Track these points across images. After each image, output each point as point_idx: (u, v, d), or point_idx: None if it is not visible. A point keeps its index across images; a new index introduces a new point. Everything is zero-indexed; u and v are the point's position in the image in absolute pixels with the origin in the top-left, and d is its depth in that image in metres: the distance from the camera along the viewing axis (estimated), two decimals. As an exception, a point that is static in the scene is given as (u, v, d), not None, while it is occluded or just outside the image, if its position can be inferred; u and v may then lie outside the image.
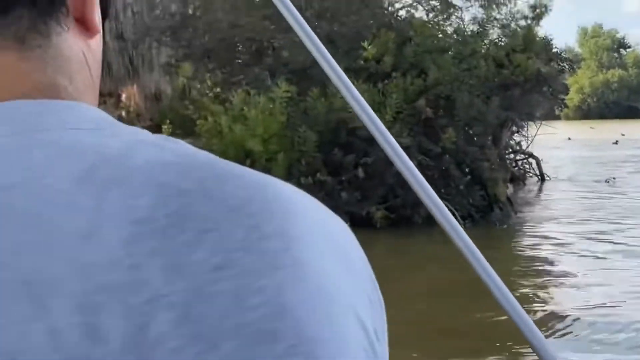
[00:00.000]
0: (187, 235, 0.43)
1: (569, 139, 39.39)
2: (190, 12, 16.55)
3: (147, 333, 0.40)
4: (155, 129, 18.93)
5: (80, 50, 0.56)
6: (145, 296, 0.41)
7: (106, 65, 19.66)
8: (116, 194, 0.45)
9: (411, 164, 1.46)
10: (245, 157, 13.00)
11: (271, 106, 12.97)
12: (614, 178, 18.80)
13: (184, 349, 0.40)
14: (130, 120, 18.91)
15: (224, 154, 13.20)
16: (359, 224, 12.48)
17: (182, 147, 0.52)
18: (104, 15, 0.63)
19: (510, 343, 7.36)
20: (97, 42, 0.59)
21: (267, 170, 12.90)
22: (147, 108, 20.17)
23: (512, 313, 1.36)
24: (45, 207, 0.45)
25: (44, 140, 0.48)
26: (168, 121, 18.58)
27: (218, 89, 14.91)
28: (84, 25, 0.56)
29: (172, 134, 18.02)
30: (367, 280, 0.52)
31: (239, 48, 15.16)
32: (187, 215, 0.44)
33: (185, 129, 16.66)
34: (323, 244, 0.49)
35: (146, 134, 0.53)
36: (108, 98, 19.57)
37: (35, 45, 0.53)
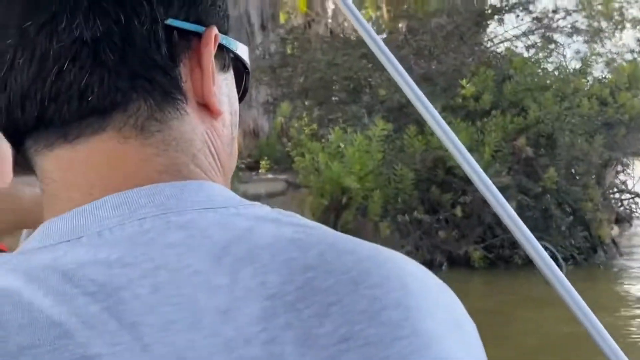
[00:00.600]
0: (314, 309, 0.47)
1: None
2: (289, 51, 16.74)
3: None
4: (254, 164, 19.24)
5: (204, 131, 0.60)
6: None
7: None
8: (248, 271, 0.48)
9: (507, 204, 1.55)
10: (342, 194, 12.93)
11: (368, 144, 12.83)
12: None
13: None
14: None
15: (320, 190, 13.29)
16: (457, 263, 12.45)
17: (298, 220, 0.55)
18: (244, 93, 0.72)
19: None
20: (223, 122, 0.63)
21: (363, 207, 12.84)
22: (245, 144, 20.43)
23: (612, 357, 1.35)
24: (188, 287, 0.48)
25: (181, 222, 0.52)
26: (266, 157, 18.87)
27: (315, 126, 14.95)
28: (207, 109, 0.60)
29: (270, 169, 18.29)
30: (479, 351, 0.53)
31: (336, 86, 15.12)
32: (313, 289, 0.47)
33: (282, 165, 16.89)
34: (440, 314, 0.51)
35: (264, 209, 0.56)
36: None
37: (154, 130, 0.57)
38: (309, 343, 0.45)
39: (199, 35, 0.58)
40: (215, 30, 0.59)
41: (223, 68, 0.63)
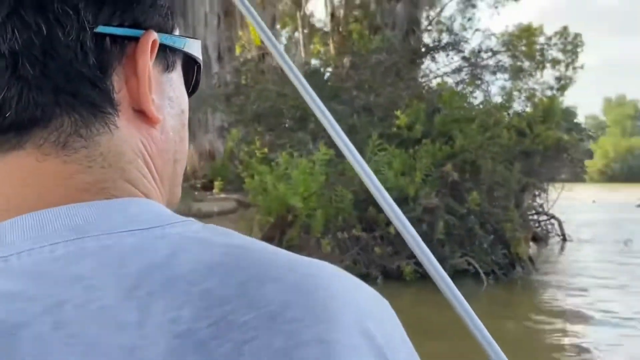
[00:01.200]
0: (227, 347, 0.42)
1: (594, 201, 38.60)
2: (243, 81, 17.08)
3: None
4: (209, 184, 19.56)
5: (139, 141, 0.55)
6: None
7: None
8: (160, 305, 0.43)
9: (405, 219, 1.43)
10: (287, 212, 13.23)
11: (312, 167, 13.19)
12: (631, 240, 18.48)
13: None
14: (187, 176, 19.12)
15: (268, 209, 13.69)
16: (390, 276, 12.66)
17: (231, 239, 0.50)
18: (193, 91, 0.66)
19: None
20: (162, 128, 0.58)
21: (306, 225, 13.15)
22: (201, 166, 20.64)
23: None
24: (92, 325, 0.43)
25: (96, 248, 0.47)
26: (220, 178, 19.14)
27: (265, 150, 15.14)
28: (144, 116, 0.55)
29: (223, 189, 18.59)
30: None
31: (285, 114, 15.44)
32: (228, 325, 0.42)
33: (234, 185, 17.04)
34: (363, 346, 0.46)
35: (194, 227, 0.51)
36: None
37: (78, 147, 0.52)
38: None
39: (136, 39, 0.54)
40: (152, 35, 0.54)
41: (167, 69, 0.58)
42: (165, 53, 0.58)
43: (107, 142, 0.53)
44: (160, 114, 0.56)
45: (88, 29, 0.51)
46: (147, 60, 0.54)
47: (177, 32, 0.61)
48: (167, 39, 0.57)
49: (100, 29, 0.51)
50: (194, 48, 0.63)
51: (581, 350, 9.18)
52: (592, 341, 9.51)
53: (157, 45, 0.55)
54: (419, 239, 1.41)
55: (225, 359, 0.42)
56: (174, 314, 0.43)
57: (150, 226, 0.49)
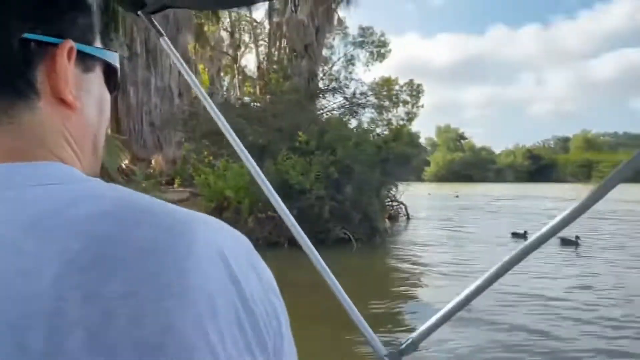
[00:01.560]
0: (103, 272, 0.39)
1: (429, 194, 39.70)
2: (194, 111, 16.70)
3: (63, 348, 0.36)
4: (171, 181, 19.21)
5: (58, 121, 0.51)
6: (66, 319, 0.37)
7: (143, 141, 20.17)
8: (54, 239, 0.40)
9: (282, 204, 1.36)
10: (224, 200, 13.06)
11: (241, 170, 13.07)
12: (452, 218, 19.22)
13: None
14: (155, 175, 19.11)
15: (210, 198, 13.44)
16: (294, 244, 12.85)
17: (121, 193, 0.46)
18: (113, 89, 0.60)
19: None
20: (81, 112, 0.53)
21: (237, 209, 13.08)
22: (166, 168, 20.25)
23: (344, 302, 1.19)
24: None
25: (8, 197, 0.43)
26: (178, 177, 18.83)
27: (210, 158, 14.99)
28: (64, 103, 0.51)
29: (181, 185, 18.29)
30: (249, 294, 0.44)
31: (223, 133, 15.30)
32: (105, 257, 0.40)
33: (189, 182, 16.82)
34: (215, 272, 0.42)
35: (100, 185, 0.47)
36: (142, 162, 19.41)
37: (7, 122, 0.47)
38: (92, 300, 0.38)
39: (57, 45, 0.50)
40: (69, 43, 0.50)
41: (85, 70, 0.54)
42: (85, 58, 0.53)
43: (30, 119, 0.49)
44: (78, 102, 0.52)
45: (16, 35, 0.47)
46: (64, 61, 0.50)
47: (97, 45, 0.56)
48: (85, 48, 0.53)
49: (27, 35, 0.48)
50: (112, 58, 0.58)
51: (412, 275, 9.79)
52: (420, 273, 10.07)
53: (74, 51, 0.51)
54: (292, 218, 1.37)
55: (101, 281, 0.39)
56: (65, 246, 0.40)
57: (60, 182, 0.46)
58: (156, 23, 1.56)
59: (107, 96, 0.58)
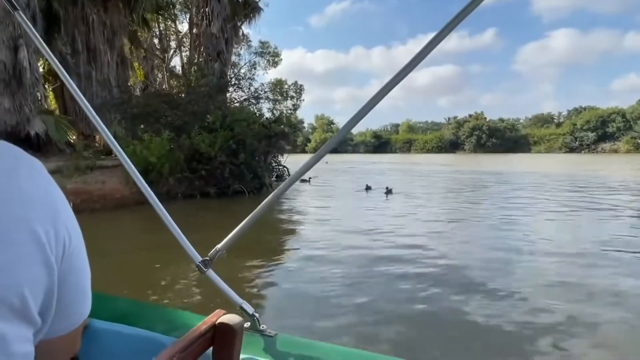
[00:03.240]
0: None
1: (327, 163, 39.49)
2: (126, 97, 14.86)
3: None
4: (111, 152, 16.83)
5: None
6: None
7: (86, 121, 17.38)
8: None
9: (136, 172, 1.14)
10: (148, 165, 11.63)
11: (162, 142, 11.90)
12: (310, 178, 18.62)
13: None
14: (99, 147, 16.66)
15: (137, 164, 11.80)
16: (205, 196, 11.98)
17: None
18: None
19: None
20: None
21: (160, 172, 11.84)
22: (105, 143, 17.86)
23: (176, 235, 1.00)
24: None
25: None
26: (115, 148, 16.67)
27: (139, 133, 13.29)
28: None
29: (113, 154, 16.19)
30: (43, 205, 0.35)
31: (150, 115, 13.51)
32: None
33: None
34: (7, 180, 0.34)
35: None
36: (87, 138, 16.81)
37: None
38: None
39: None
40: None
41: None
42: None
43: None
44: None
45: None
46: None
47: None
48: None
49: None
50: None
51: (281, 213, 9.06)
52: (289, 210, 9.59)
53: None
54: (144, 182, 1.13)
55: None
56: None
57: None
58: None
59: None
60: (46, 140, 12.70)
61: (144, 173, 11.89)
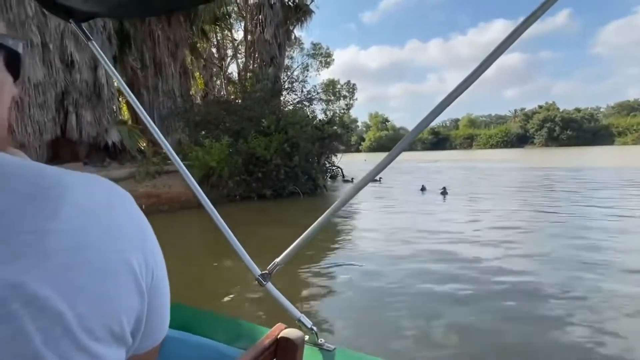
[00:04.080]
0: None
1: (365, 160, 38.55)
2: (188, 106, 15.89)
3: None
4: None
5: None
6: None
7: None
8: None
9: (191, 176, 1.19)
10: (210, 169, 12.36)
11: (222, 147, 12.49)
12: (381, 178, 18.54)
13: None
14: (163, 153, 17.99)
15: (200, 167, 12.60)
16: (261, 198, 12.38)
17: (19, 161, 0.36)
18: (17, 74, 0.43)
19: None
20: None
21: (220, 175, 12.47)
22: (173, 149, 19.29)
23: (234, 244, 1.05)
24: None
25: None
26: (180, 154, 17.86)
27: (201, 139, 14.13)
28: None
29: (183, 159, 17.37)
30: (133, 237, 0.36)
31: (210, 122, 14.34)
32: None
33: (185, 157, 16.17)
34: (88, 206, 0.34)
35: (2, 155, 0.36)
36: (156, 145, 18.30)
37: None
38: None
39: None
40: None
41: None
42: None
43: None
44: None
45: None
46: None
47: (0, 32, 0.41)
48: None
49: None
50: (14, 45, 0.42)
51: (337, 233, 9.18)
52: (351, 217, 9.48)
53: None
54: (197, 185, 1.19)
55: None
56: None
57: None
58: (85, 29, 1.30)
59: (8, 80, 0.42)
60: (121, 149, 14.07)
61: (206, 177, 12.65)
